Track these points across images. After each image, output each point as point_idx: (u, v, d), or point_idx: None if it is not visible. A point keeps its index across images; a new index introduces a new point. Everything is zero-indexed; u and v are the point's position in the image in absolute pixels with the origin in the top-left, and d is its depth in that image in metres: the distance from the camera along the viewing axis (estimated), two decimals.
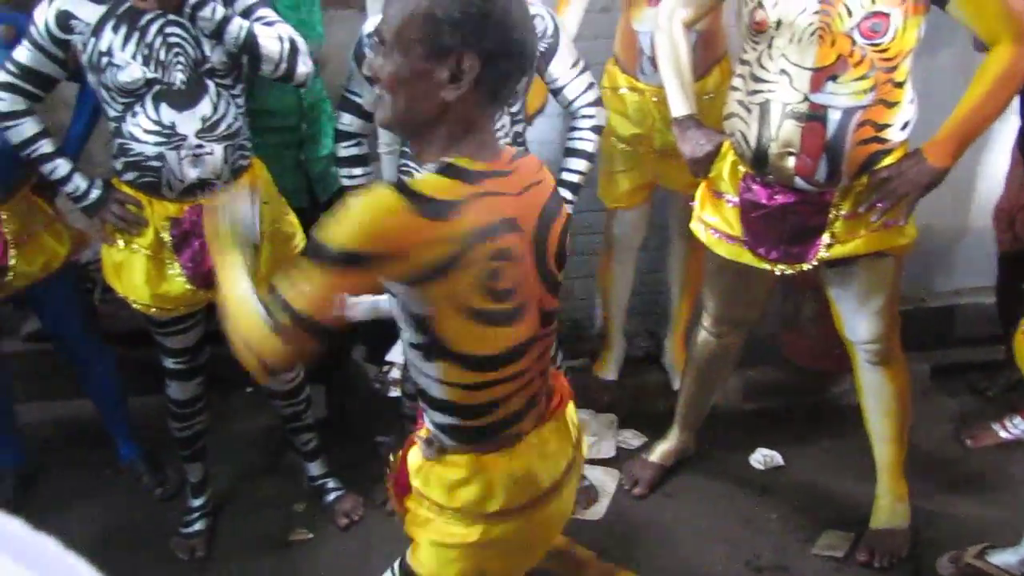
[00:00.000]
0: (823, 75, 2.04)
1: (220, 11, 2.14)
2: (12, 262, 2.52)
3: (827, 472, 2.95)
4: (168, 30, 2.17)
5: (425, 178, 1.30)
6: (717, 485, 2.93)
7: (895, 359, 2.45)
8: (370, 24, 2.37)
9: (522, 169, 1.41)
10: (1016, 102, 2.53)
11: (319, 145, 2.82)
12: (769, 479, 2.96)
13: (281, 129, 2.70)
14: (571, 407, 1.67)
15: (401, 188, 1.26)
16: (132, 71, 2.15)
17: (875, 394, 2.49)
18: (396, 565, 1.67)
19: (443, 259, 1.26)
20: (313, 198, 2.84)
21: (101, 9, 2.16)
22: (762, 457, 3.01)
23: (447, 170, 1.31)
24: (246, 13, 2.24)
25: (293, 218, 2.53)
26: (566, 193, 2.39)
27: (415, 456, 1.59)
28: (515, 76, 1.35)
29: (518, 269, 1.36)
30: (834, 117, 2.06)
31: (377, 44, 1.35)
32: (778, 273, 2.30)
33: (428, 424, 1.55)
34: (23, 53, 2.20)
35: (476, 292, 1.31)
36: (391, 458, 1.74)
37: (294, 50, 2.22)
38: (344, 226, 1.24)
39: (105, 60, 2.16)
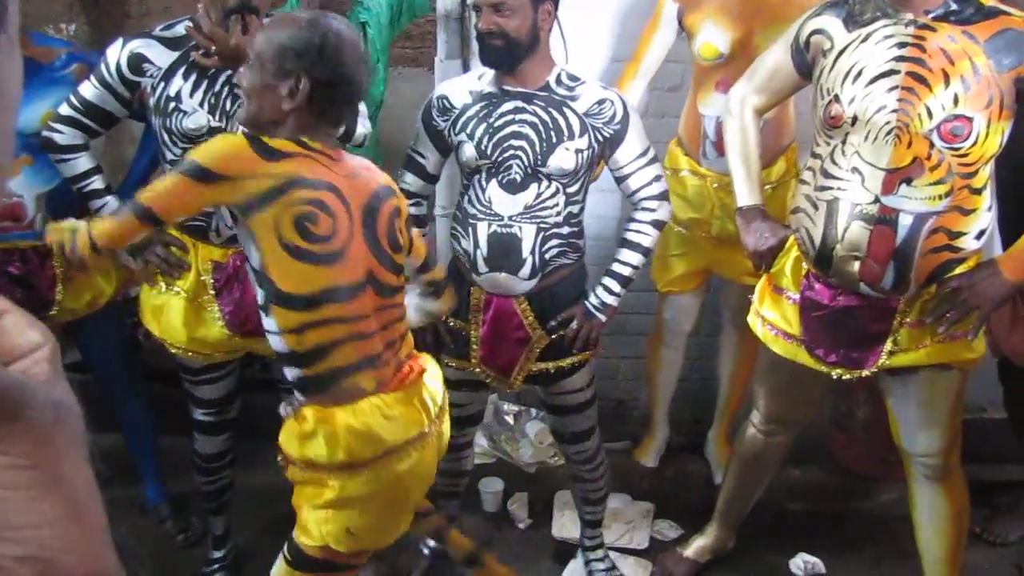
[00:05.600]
0: (897, 177, 1.96)
1: None
2: (59, 297, 2.53)
3: None
4: (236, 82, 2.18)
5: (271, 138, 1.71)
6: None
7: (953, 475, 2.32)
8: (441, 89, 2.35)
9: (350, 163, 1.78)
10: None
11: None
12: None
13: None
14: (432, 385, 1.91)
15: (249, 135, 1.70)
16: (198, 118, 2.18)
17: (929, 511, 2.36)
18: (287, 544, 1.92)
19: (266, 190, 1.64)
20: None
21: (174, 55, 2.20)
22: (803, 563, 2.87)
23: (291, 137, 1.71)
24: None
25: None
26: (613, 285, 2.32)
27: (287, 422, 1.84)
28: (340, 100, 1.74)
29: (336, 224, 1.69)
30: (905, 222, 1.97)
31: (248, 62, 1.75)
32: (835, 377, 2.20)
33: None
34: (89, 89, 2.23)
35: (291, 227, 1.65)
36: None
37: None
38: (204, 149, 1.68)
39: (172, 105, 2.18)
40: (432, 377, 1.94)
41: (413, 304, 2.11)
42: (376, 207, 1.78)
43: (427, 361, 1.96)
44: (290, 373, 1.80)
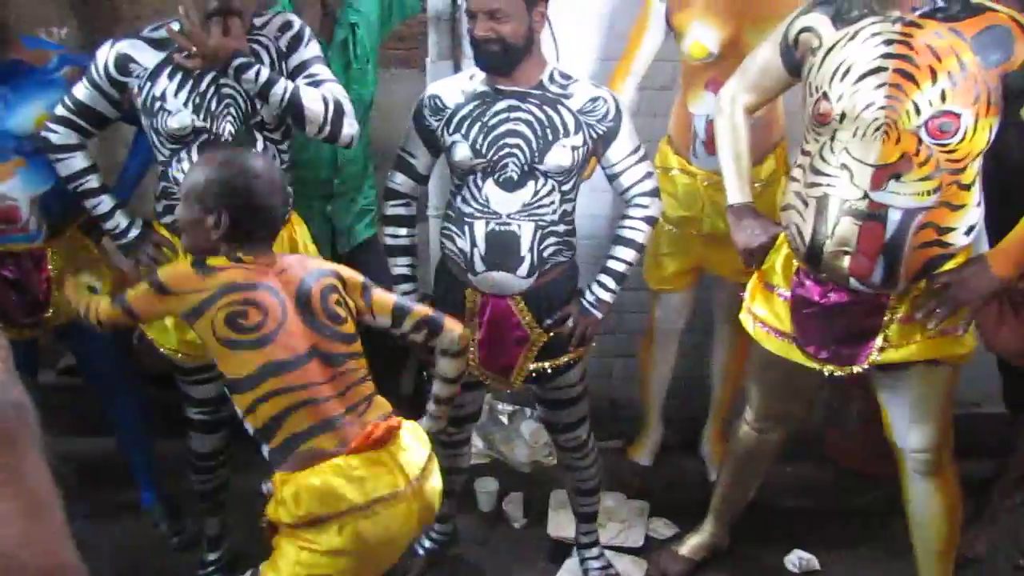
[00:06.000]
0: (885, 173, 1.97)
1: (264, 74, 2.16)
2: (52, 300, 2.53)
3: None
4: (222, 81, 2.20)
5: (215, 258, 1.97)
6: None
7: (945, 471, 2.33)
8: (432, 88, 2.36)
9: (283, 263, 1.99)
10: None
11: (349, 199, 2.80)
12: None
13: (312, 181, 2.69)
14: (413, 451, 1.96)
15: (195, 261, 1.95)
16: (182, 118, 2.19)
17: (922, 506, 2.37)
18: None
19: (203, 300, 1.89)
20: (334, 250, 2.82)
21: (160, 55, 2.22)
22: (798, 559, 2.88)
23: (227, 254, 1.94)
24: (300, 68, 2.25)
25: None
26: (608, 281, 2.34)
27: None
28: (261, 224, 1.96)
29: (266, 314, 1.89)
30: (894, 217, 1.98)
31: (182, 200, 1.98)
32: (826, 374, 2.21)
33: None
34: (81, 90, 2.27)
35: (223, 324, 1.88)
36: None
37: (339, 112, 2.22)
38: (166, 268, 2.03)
39: (158, 105, 2.20)
40: (413, 443, 1.98)
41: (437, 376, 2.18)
42: (307, 291, 1.95)
43: (410, 427, 2.01)
44: (264, 451, 1.94)
